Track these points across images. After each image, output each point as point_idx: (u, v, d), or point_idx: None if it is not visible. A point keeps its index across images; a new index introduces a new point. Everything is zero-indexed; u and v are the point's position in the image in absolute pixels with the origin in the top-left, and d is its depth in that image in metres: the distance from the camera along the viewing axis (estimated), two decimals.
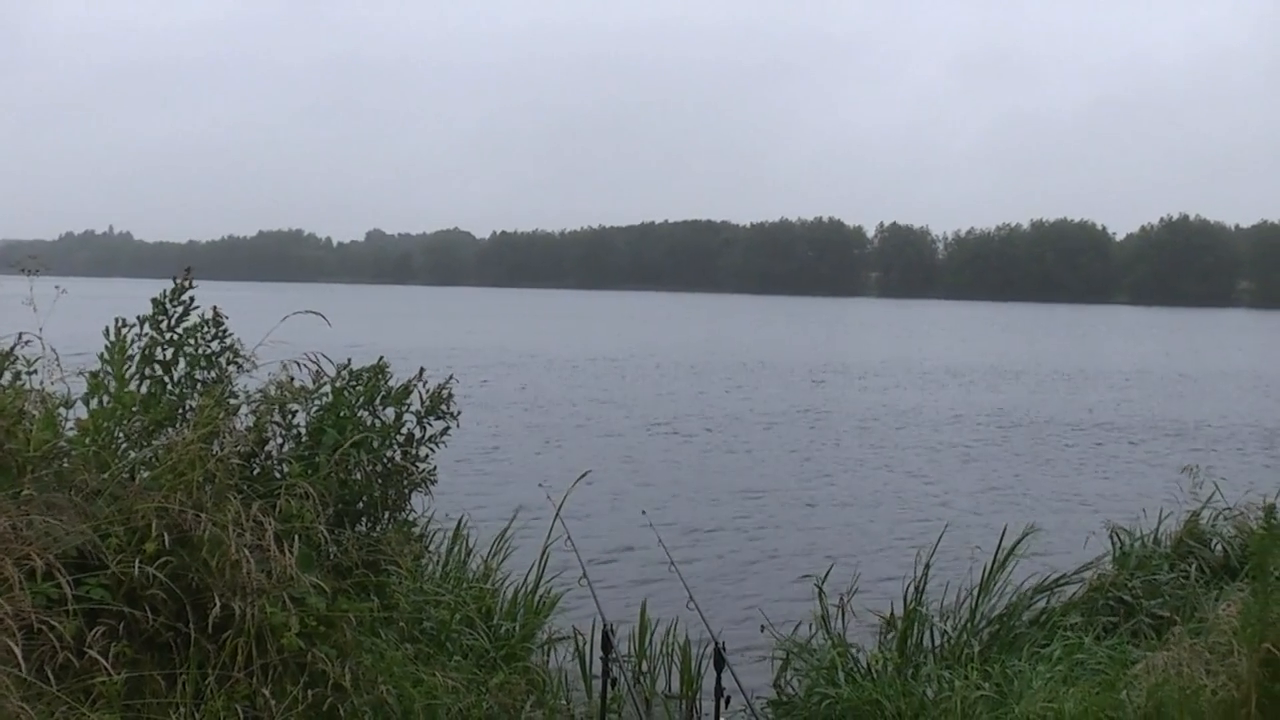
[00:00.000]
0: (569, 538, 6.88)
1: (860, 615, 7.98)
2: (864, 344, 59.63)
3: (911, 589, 7.77)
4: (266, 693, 4.12)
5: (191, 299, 5.22)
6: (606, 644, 5.38)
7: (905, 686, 6.43)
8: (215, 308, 5.28)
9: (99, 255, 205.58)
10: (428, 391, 5.54)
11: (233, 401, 5.10)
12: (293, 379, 5.26)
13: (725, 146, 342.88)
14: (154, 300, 5.19)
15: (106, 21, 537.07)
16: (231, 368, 5.26)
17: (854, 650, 7.30)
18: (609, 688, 5.59)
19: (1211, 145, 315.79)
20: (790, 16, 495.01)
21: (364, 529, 5.24)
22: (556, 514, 7.61)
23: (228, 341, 5.28)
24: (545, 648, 7.84)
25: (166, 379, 5.15)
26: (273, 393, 5.17)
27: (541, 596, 8.14)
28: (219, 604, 4.11)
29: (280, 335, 5.30)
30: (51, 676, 3.69)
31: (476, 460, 18.47)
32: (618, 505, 15.15)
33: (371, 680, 4.66)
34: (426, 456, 5.50)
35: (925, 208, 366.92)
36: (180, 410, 5.04)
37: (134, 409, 4.92)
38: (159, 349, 5.15)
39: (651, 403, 29.22)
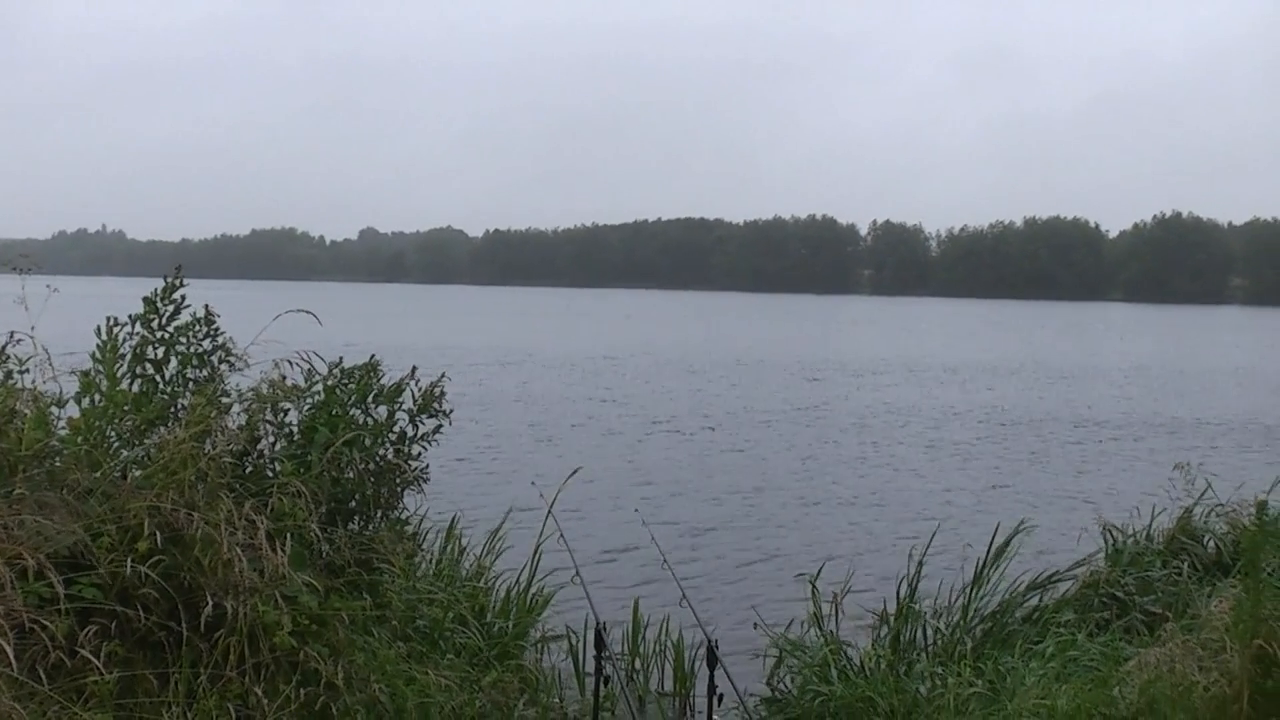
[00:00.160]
0: (561, 535, 6.88)
1: (853, 613, 8.00)
2: (859, 341, 59.67)
3: (905, 586, 7.79)
4: (259, 691, 4.12)
5: (182, 297, 5.22)
6: (600, 642, 5.38)
7: (898, 684, 6.44)
8: (207, 306, 5.28)
9: (92, 254, 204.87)
10: (420, 390, 5.54)
11: (225, 400, 5.10)
12: (285, 377, 5.26)
13: (723, 145, 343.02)
14: (145, 299, 5.18)
15: (106, 21, 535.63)
16: (223, 366, 5.26)
17: (847, 647, 7.31)
18: (602, 686, 5.59)
19: (1207, 143, 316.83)
20: (790, 16, 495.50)
21: (356, 527, 5.24)
22: (549, 511, 7.62)
23: (219, 340, 5.28)
24: (538, 646, 7.85)
25: (158, 378, 5.14)
26: (265, 391, 5.17)
27: (534, 595, 8.15)
28: (211, 603, 4.11)
29: (272, 334, 5.30)
30: (44, 676, 3.68)
31: (471, 459, 18.46)
32: (613, 504, 15.14)
33: (364, 679, 4.65)
34: (419, 455, 5.50)
35: (921, 206, 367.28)
36: (172, 409, 5.04)
37: (126, 408, 4.91)
38: (151, 348, 5.15)
39: (648, 400, 29.22)
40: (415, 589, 6.50)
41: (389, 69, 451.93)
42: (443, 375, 5.71)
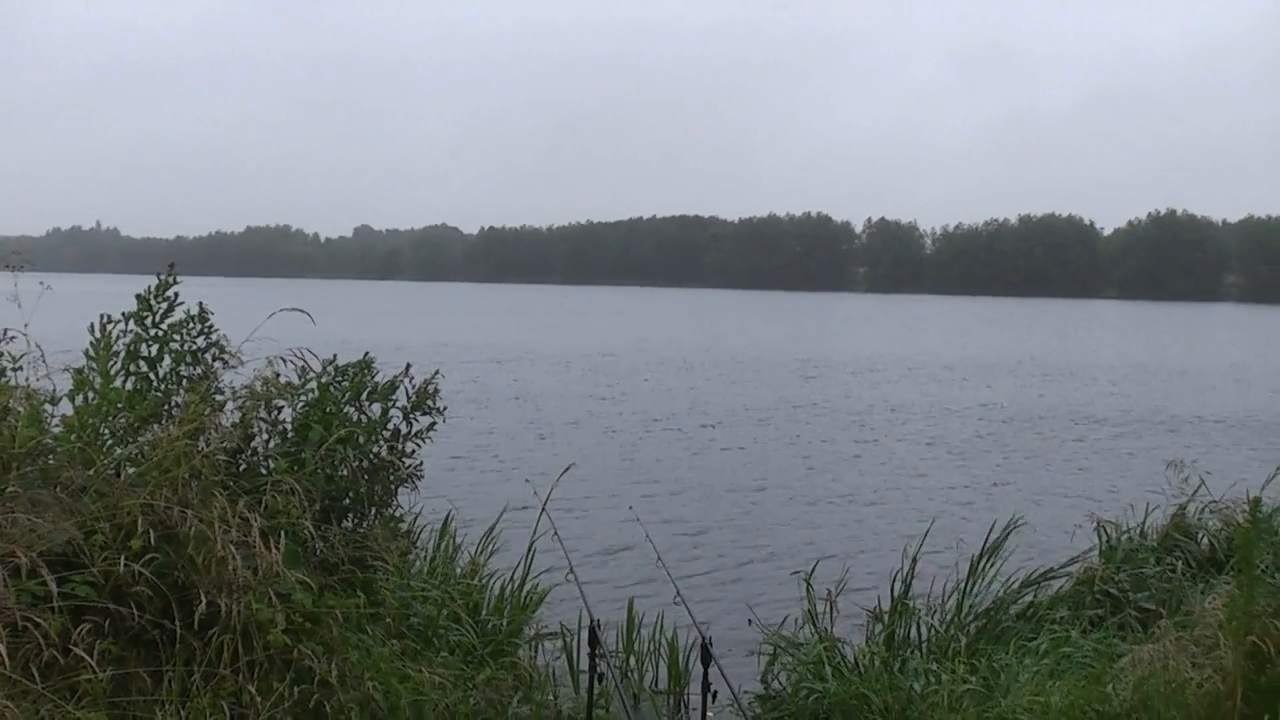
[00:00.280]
0: (555, 533, 6.87)
1: (848, 610, 8.00)
2: (854, 339, 59.70)
3: (899, 583, 7.79)
4: (252, 689, 4.12)
5: (176, 295, 5.21)
6: (594, 639, 5.37)
7: (892, 680, 6.44)
8: (201, 303, 5.28)
9: (86, 251, 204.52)
10: (414, 387, 5.54)
11: (218, 398, 5.10)
12: (278, 375, 5.26)
13: (721, 144, 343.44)
14: (139, 296, 5.18)
15: (106, 21, 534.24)
16: (217, 364, 5.25)
17: (842, 644, 7.31)
18: (596, 683, 5.58)
19: (1203, 140, 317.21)
20: (790, 16, 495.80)
21: (350, 525, 5.24)
22: (542, 508, 7.61)
23: (213, 337, 5.28)
24: (532, 643, 7.85)
25: (152, 375, 5.14)
26: (259, 389, 5.16)
27: (529, 593, 8.14)
28: (205, 601, 4.10)
29: (266, 331, 5.29)
30: (37, 674, 3.68)
31: (466, 457, 18.45)
32: (609, 502, 15.13)
33: (358, 676, 4.65)
34: (413, 452, 5.50)
35: (917, 203, 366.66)
36: (166, 406, 5.04)
37: (119, 405, 4.91)
38: (144, 345, 5.15)
39: (645, 398, 29.21)
40: (409, 587, 6.49)
41: (387, 68, 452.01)
42: (436, 372, 5.71)
